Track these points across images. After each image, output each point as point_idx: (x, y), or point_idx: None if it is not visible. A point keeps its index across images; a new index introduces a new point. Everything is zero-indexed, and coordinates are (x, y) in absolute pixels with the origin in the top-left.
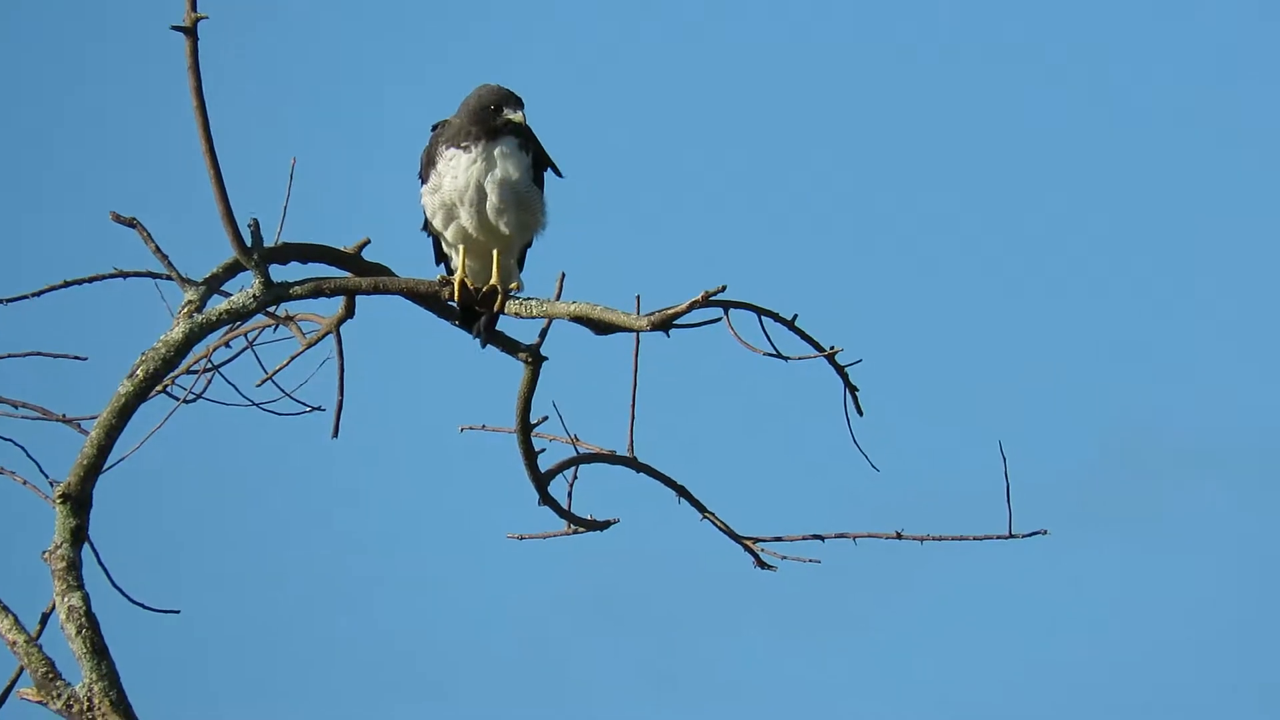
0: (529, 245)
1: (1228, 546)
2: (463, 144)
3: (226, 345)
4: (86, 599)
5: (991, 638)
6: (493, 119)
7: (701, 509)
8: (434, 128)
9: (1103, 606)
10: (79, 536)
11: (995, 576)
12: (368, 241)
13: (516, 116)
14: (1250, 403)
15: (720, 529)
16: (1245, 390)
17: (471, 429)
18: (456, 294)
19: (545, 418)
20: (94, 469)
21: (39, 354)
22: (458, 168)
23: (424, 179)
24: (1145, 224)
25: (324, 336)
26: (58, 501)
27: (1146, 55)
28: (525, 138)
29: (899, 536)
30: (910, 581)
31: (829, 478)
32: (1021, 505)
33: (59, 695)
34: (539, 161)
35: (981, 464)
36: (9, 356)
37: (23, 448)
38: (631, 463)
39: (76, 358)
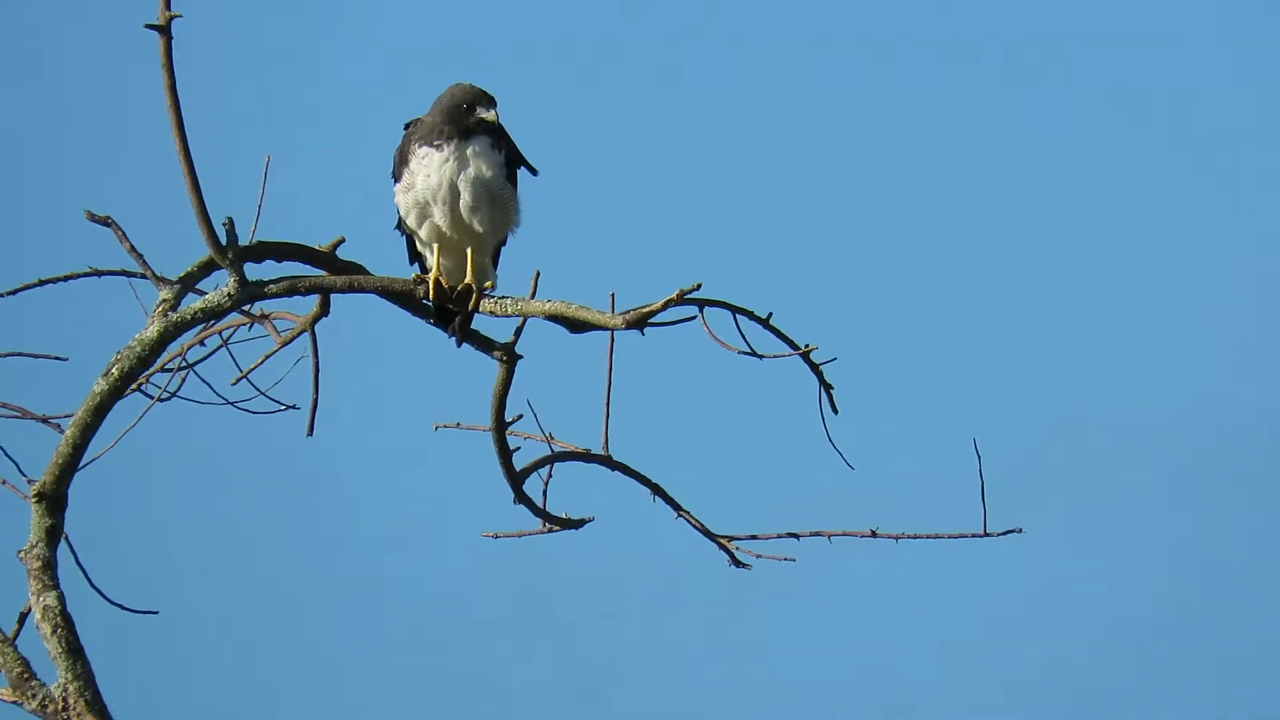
0: (504, 243)
1: (1155, 541)
2: (435, 142)
3: (201, 343)
4: (62, 598)
5: (923, 625)
6: (465, 117)
7: (676, 507)
8: (407, 126)
9: (1036, 595)
10: (54, 535)
11: (927, 564)
12: (342, 240)
13: (489, 115)
14: (1178, 400)
15: (695, 527)
16: (1174, 388)
17: (446, 427)
18: (431, 292)
19: (520, 416)
20: (69, 468)
21: (20, 354)
22: (430, 166)
23: (397, 178)
24: (1089, 226)
25: (299, 335)
26: (33, 500)
27: (1110, 56)
28: (498, 136)
29: (874, 535)
30: (835, 570)
31: (804, 474)
32: (965, 497)
33: (34, 695)
34: (512, 160)
35: (931, 457)
36: None
37: (0, 447)
38: (606, 461)
39: (57, 358)
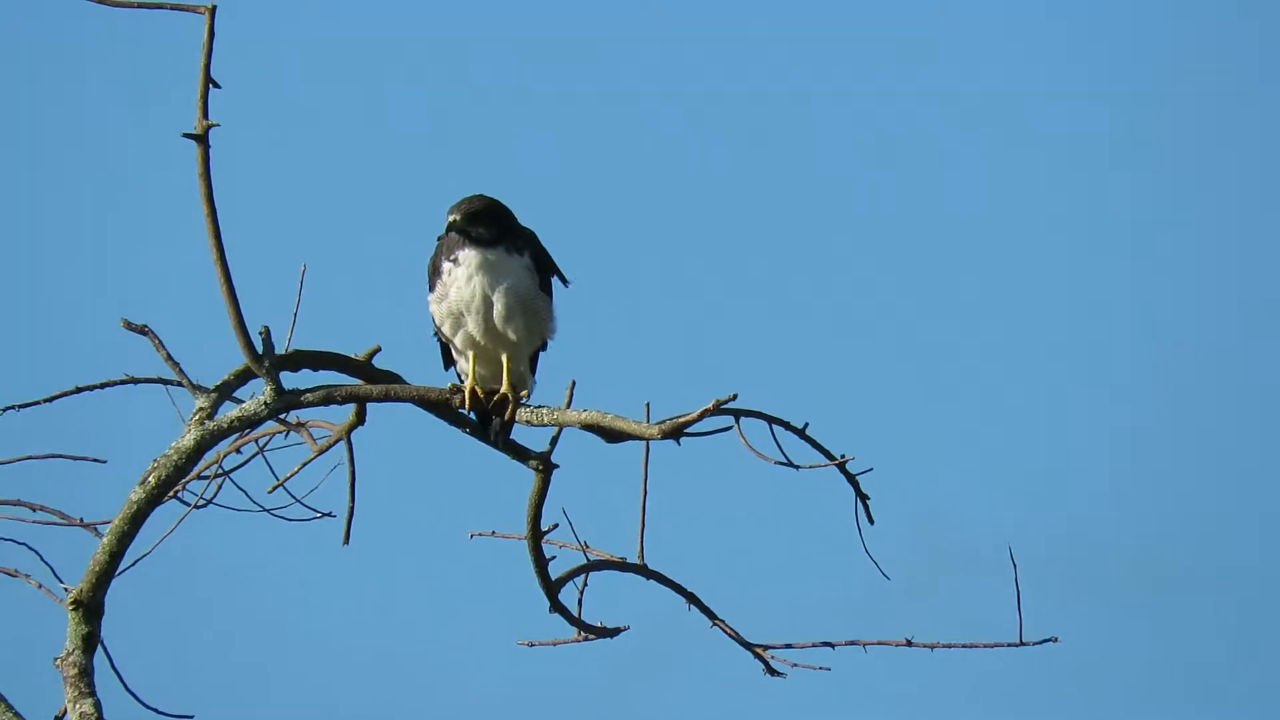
0: (542, 349)
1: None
2: (452, 257)
3: (238, 451)
4: (98, 706)
5: None
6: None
7: (712, 616)
8: (439, 238)
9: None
10: (91, 643)
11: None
12: (378, 349)
13: (447, 222)
14: (1031, 499)
15: (730, 636)
16: (1035, 492)
17: (482, 535)
18: (467, 401)
19: (556, 525)
20: (106, 575)
21: (58, 456)
22: (459, 279)
23: (431, 288)
24: (941, 325)
25: (335, 443)
26: (70, 608)
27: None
28: (523, 241)
29: (909, 644)
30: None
31: (839, 583)
32: (837, 610)
33: None
34: (544, 267)
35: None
36: (29, 459)
37: (36, 551)
38: (642, 570)
39: (96, 460)
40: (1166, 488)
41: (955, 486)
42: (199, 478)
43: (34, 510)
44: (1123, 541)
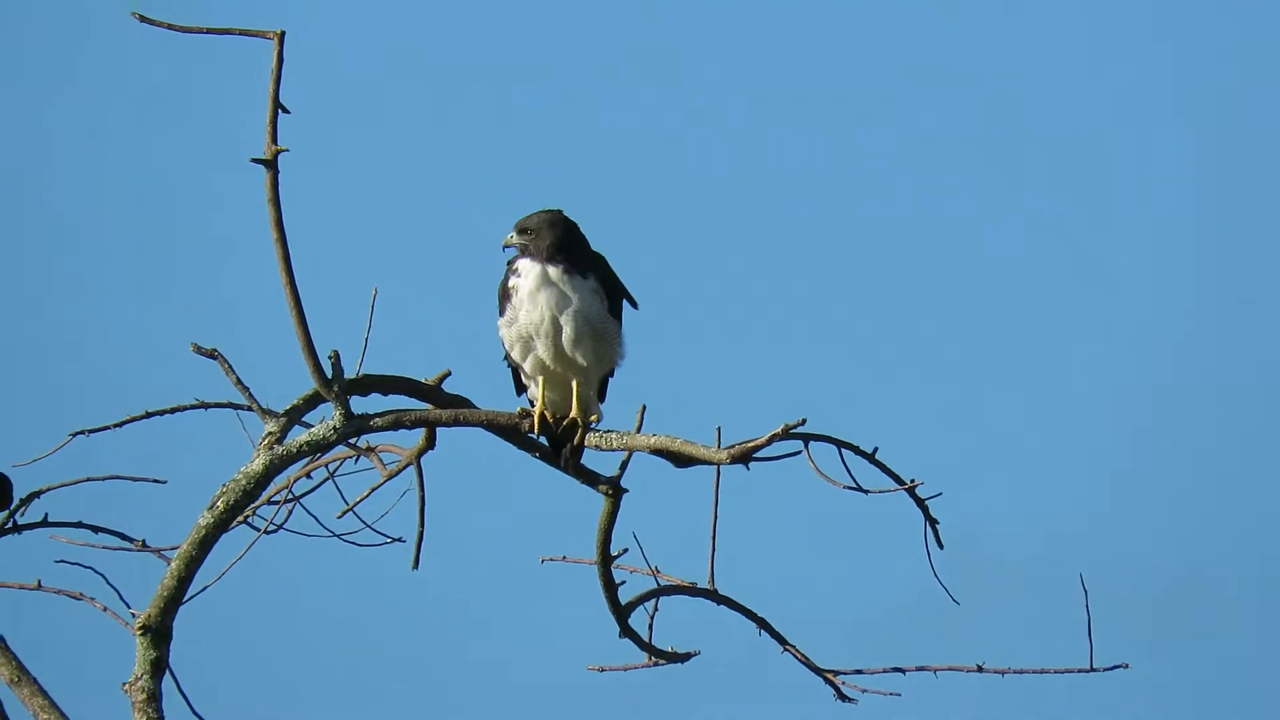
0: (610, 375)
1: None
2: (519, 274)
3: (307, 476)
4: None
5: None
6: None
7: (782, 641)
8: (509, 262)
9: None
10: (159, 668)
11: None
12: (448, 373)
13: (505, 240)
14: (1074, 525)
15: (801, 661)
16: (1070, 512)
17: (552, 560)
18: (536, 426)
19: (625, 549)
20: (174, 601)
21: (117, 477)
22: (526, 301)
23: (501, 312)
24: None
25: (405, 468)
26: (138, 633)
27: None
28: (590, 264)
29: (980, 670)
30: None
31: (890, 604)
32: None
33: None
34: (613, 291)
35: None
36: (88, 480)
37: (102, 575)
38: (712, 595)
39: (155, 481)
40: (1214, 511)
41: (1000, 507)
42: (268, 503)
43: (95, 532)
44: (1170, 566)
